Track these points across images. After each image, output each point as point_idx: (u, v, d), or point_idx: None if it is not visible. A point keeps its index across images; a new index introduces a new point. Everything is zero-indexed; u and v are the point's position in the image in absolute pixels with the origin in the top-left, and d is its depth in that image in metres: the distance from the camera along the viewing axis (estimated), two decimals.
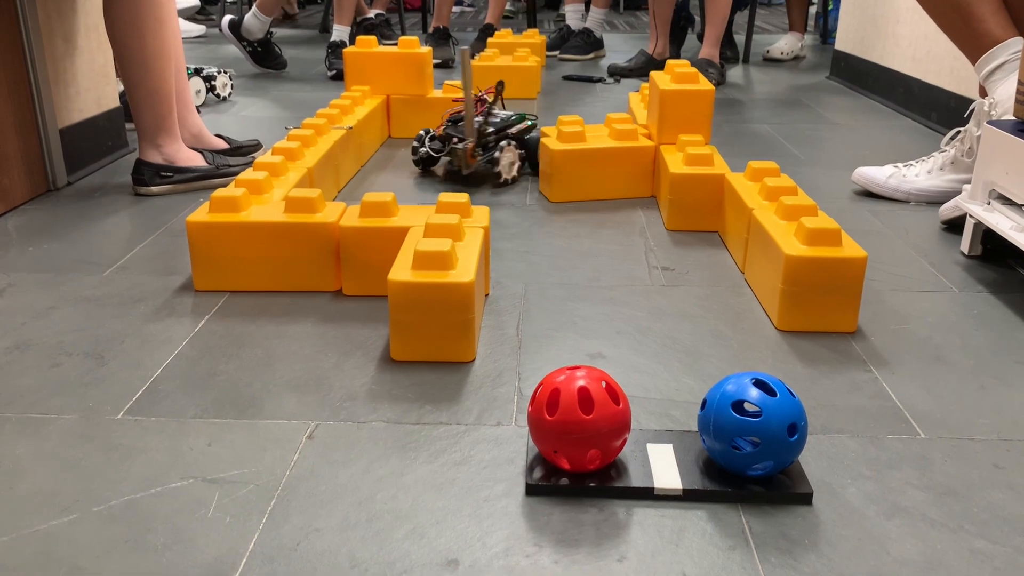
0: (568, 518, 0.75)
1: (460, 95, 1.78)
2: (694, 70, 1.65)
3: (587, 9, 3.49)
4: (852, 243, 1.11)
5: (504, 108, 1.81)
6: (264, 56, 3.00)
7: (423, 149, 1.77)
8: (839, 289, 1.09)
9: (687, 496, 0.78)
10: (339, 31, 2.97)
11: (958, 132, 1.56)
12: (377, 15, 3.45)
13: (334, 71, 2.89)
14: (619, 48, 3.71)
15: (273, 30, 3.06)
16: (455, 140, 1.69)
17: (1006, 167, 1.26)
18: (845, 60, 2.89)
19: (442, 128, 1.75)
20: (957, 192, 1.55)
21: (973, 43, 1.50)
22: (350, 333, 1.09)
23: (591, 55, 3.41)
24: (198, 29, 3.90)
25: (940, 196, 1.59)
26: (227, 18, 2.96)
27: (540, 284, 1.25)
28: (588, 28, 3.42)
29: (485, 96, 1.77)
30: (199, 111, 2.02)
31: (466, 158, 1.66)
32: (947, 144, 1.61)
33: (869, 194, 1.66)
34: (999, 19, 1.46)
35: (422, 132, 1.79)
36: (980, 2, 1.46)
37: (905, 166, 1.65)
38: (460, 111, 1.72)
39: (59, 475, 0.80)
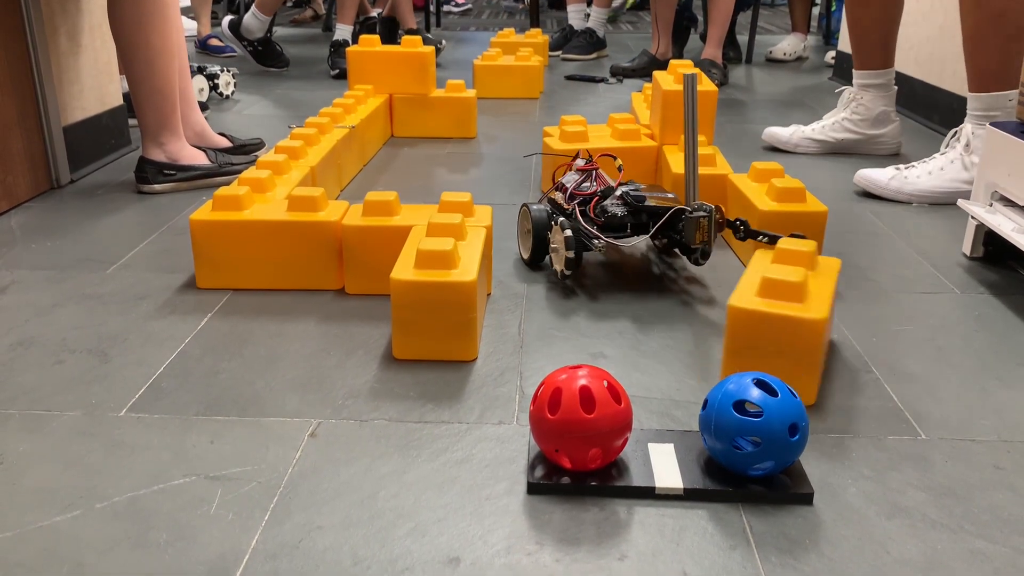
0: (569, 517, 0.76)
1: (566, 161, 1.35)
2: (697, 70, 1.65)
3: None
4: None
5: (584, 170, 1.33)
6: (265, 55, 3.01)
7: (563, 235, 1.18)
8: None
9: (688, 495, 0.78)
10: (342, 30, 2.98)
11: (955, 133, 1.56)
12: (379, 14, 3.45)
13: (337, 70, 2.89)
14: (622, 48, 3.71)
15: (276, 28, 3.06)
16: (692, 211, 1.17)
17: (1008, 169, 1.26)
18: (848, 61, 2.88)
19: (568, 203, 1.26)
20: (959, 193, 1.55)
21: None
22: (352, 332, 1.10)
23: (594, 55, 3.41)
24: None
25: (942, 197, 1.59)
26: (227, 18, 2.97)
27: (542, 283, 1.25)
28: (591, 28, 3.42)
29: (582, 160, 1.34)
30: (203, 109, 2.03)
31: (715, 228, 1.17)
32: (947, 146, 1.61)
33: (871, 195, 1.66)
34: None
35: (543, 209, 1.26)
36: None
37: (907, 167, 1.65)
38: (567, 186, 1.29)
39: (62, 472, 0.81)
